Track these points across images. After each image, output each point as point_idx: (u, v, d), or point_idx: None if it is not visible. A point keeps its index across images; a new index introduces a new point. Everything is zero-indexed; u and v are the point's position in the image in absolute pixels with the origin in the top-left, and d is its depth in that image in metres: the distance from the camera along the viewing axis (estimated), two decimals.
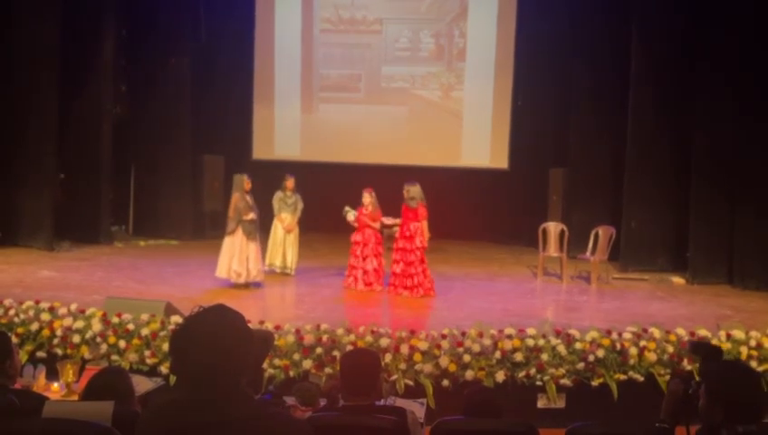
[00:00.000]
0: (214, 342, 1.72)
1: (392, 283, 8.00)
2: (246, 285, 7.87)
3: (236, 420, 1.68)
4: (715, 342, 5.72)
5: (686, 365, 5.57)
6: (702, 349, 2.88)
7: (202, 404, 1.70)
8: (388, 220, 8.20)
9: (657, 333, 5.76)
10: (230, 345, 1.73)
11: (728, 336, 5.80)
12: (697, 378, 2.65)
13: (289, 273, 8.60)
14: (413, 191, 7.87)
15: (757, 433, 2.24)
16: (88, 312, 5.94)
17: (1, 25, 9.77)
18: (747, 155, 8.81)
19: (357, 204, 8.30)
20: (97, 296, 6.74)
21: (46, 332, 5.78)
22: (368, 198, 8.18)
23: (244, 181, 8.00)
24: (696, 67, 9.15)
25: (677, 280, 9.19)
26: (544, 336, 5.68)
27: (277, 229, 8.62)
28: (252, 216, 7.89)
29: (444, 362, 5.40)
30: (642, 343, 5.63)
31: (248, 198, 7.96)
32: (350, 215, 8.18)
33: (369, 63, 12.32)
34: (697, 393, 2.40)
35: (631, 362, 5.51)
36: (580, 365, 5.48)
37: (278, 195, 8.69)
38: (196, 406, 1.70)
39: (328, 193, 9.76)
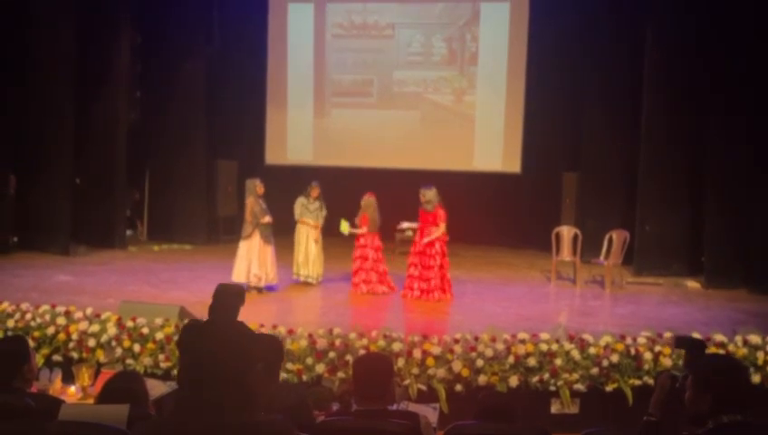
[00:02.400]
0: (222, 337, 1.78)
1: (409, 286, 8.00)
2: (260, 290, 7.91)
3: (233, 427, 1.70)
4: (731, 347, 5.67)
5: None
6: (686, 342, 2.92)
7: (204, 406, 1.72)
8: (403, 224, 8.20)
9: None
10: (235, 341, 1.78)
11: (745, 342, 5.74)
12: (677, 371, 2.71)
13: (312, 283, 8.45)
14: (429, 195, 7.89)
15: (742, 423, 2.28)
16: (103, 316, 6.00)
17: (18, 33, 9.89)
18: (762, 158, 8.73)
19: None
20: (112, 301, 6.79)
21: (62, 336, 5.83)
22: (362, 202, 8.26)
23: (256, 186, 8.06)
24: (710, 70, 9.08)
25: (692, 284, 9.10)
26: (558, 341, 5.65)
27: (300, 236, 8.47)
28: (268, 219, 7.97)
29: (457, 366, 5.38)
30: (657, 347, 5.58)
31: (261, 202, 8.02)
32: (343, 226, 8.25)
33: (382, 68, 12.35)
34: (684, 386, 2.42)
35: (646, 367, 5.46)
36: (594, 370, 5.44)
37: (301, 200, 8.51)
38: (199, 409, 1.72)
39: (340, 197, 9.76)
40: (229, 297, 4.18)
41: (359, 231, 8.22)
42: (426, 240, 7.87)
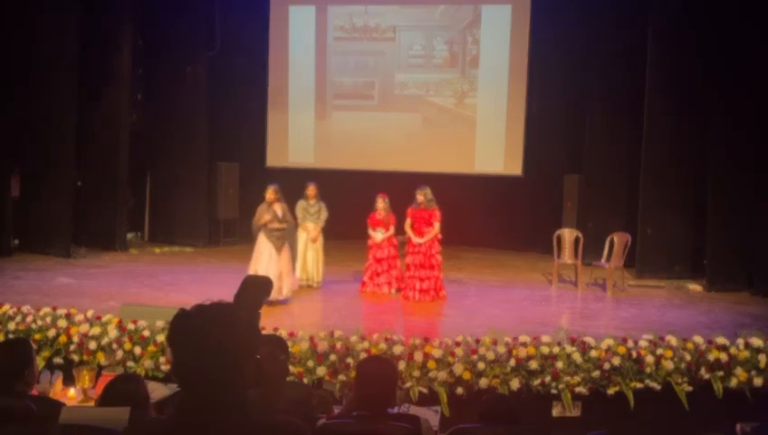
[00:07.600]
0: (209, 335, 1.74)
1: (406, 286, 8.00)
2: (272, 303, 7.23)
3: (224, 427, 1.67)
4: (732, 350, 5.65)
5: (704, 374, 5.51)
6: None
7: (202, 406, 1.69)
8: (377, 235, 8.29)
9: (673, 340, 5.70)
10: (223, 340, 1.74)
11: (746, 344, 5.73)
12: None
13: (313, 285, 8.37)
14: (428, 194, 7.93)
15: None
16: (104, 318, 6.00)
17: (21, 36, 9.91)
18: (765, 159, 8.72)
19: (370, 210, 8.33)
20: (113, 303, 6.80)
21: (63, 338, 5.83)
22: (380, 203, 8.24)
23: (267, 192, 7.66)
24: (712, 71, 9.07)
25: (695, 287, 9.08)
26: (559, 344, 5.64)
27: (300, 239, 8.38)
28: (269, 220, 7.50)
29: (458, 369, 5.38)
30: (659, 351, 5.57)
31: (275, 207, 7.59)
32: (378, 235, 8.24)
33: (383, 71, 12.35)
34: None
35: (648, 370, 5.45)
36: (596, 373, 5.43)
37: (301, 204, 8.41)
38: (197, 409, 1.69)
39: (342, 200, 9.78)
40: (254, 288, 4.38)
41: (390, 232, 8.25)
42: (421, 240, 7.87)
